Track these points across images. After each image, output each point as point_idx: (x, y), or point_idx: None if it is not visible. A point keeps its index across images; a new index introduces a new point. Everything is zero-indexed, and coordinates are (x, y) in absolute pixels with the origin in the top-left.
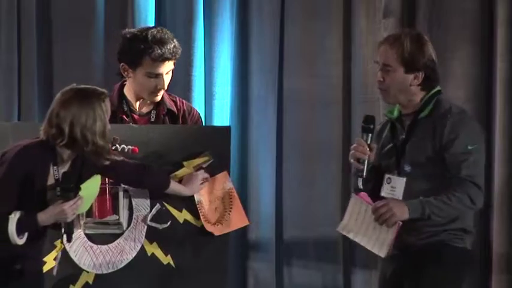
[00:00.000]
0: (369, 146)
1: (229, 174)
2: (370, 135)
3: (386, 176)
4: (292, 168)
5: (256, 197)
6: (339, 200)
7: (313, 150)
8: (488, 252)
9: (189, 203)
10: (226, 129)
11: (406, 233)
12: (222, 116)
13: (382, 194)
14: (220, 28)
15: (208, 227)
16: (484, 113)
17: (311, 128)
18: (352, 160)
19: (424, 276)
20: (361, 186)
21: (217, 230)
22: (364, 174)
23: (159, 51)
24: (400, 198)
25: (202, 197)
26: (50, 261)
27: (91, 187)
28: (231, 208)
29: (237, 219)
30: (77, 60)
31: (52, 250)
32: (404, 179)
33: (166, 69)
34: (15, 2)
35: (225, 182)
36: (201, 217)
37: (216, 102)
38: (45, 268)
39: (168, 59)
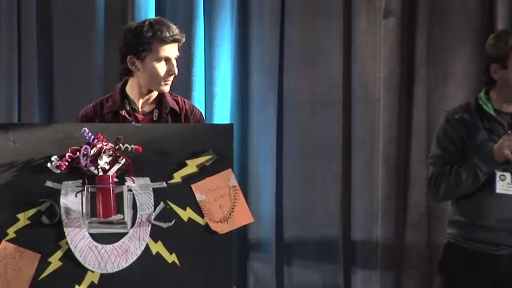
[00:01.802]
0: None
1: (233, 171)
2: None
3: (499, 173)
4: (292, 168)
5: (256, 197)
6: (338, 200)
7: (313, 150)
8: None
9: (193, 202)
10: (228, 127)
11: None
12: (222, 116)
13: (498, 191)
14: (220, 28)
15: (213, 225)
16: None
17: (311, 128)
18: (507, 153)
19: None
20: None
21: (222, 228)
22: None
23: (167, 33)
24: None
25: (205, 195)
26: (55, 262)
27: None
28: (235, 205)
29: (242, 217)
30: (77, 60)
31: (57, 250)
32: None
33: (174, 53)
34: (15, 2)
35: (229, 180)
36: (205, 215)
37: (216, 102)
38: (51, 269)
39: (177, 41)
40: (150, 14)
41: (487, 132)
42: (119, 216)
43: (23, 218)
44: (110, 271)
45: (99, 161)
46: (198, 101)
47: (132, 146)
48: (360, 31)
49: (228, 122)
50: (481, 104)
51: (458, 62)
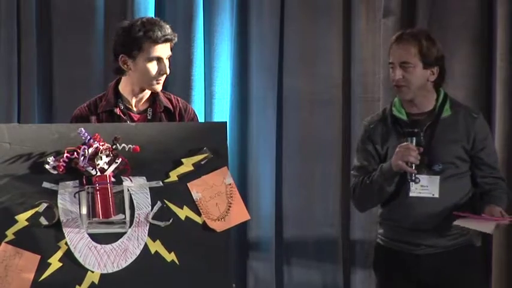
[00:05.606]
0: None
1: (228, 169)
2: (414, 138)
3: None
4: (292, 167)
5: (256, 196)
6: (338, 199)
7: (313, 150)
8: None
9: (189, 200)
10: (222, 125)
11: (438, 234)
12: (222, 115)
13: (411, 194)
14: (220, 28)
15: (210, 223)
16: (483, 112)
17: (311, 128)
18: (401, 163)
19: (460, 280)
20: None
21: (219, 226)
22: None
23: (159, 32)
24: (437, 195)
25: (202, 193)
26: (55, 263)
27: None
28: (231, 203)
29: (238, 214)
30: (77, 60)
31: (57, 251)
32: (438, 177)
33: (166, 52)
34: (15, 2)
35: (224, 178)
36: (202, 213)
37: (216, 101)
38: (51, 270)
39: (169, 40)
40: (150, 14)
41: (398, 137)
42: (121, 216)
43: (21, 220)
44: (109, 271)
45: (98, 161)
46: (198, 101)
47: (130, 145)
48: (359, 31)
49: (227, 121)
50: (394, 111)
51: (457, 61)
